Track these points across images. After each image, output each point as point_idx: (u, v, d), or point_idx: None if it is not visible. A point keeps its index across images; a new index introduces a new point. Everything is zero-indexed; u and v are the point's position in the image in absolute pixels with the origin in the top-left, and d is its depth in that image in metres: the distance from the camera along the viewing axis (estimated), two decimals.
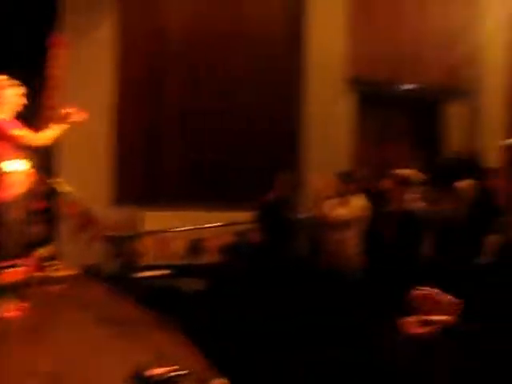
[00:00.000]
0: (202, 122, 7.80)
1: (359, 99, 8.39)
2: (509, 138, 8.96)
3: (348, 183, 5.69)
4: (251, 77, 7.92)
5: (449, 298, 2.17)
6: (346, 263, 5.43)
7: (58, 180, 5.85)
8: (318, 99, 7.86)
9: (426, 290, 2.19)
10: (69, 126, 4.45)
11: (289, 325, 4.15)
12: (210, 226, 7.03)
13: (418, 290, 2.21)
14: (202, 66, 7.86)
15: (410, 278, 4.14)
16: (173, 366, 2.45)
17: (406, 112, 9.20)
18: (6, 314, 3.77)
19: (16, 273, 4.08)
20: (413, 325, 2.10)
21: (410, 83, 8.80)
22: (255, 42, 7.96)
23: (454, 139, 8.93)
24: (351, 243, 5.47)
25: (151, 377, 2.39)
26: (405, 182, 4.80)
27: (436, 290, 2.21)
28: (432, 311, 2.11)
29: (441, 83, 8.88)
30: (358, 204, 5.61)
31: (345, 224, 5.48)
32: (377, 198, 5.76)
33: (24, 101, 4.34)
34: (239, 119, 7.89)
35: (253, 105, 7.93)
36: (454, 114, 9.07)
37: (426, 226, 4.61)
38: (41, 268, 5.09)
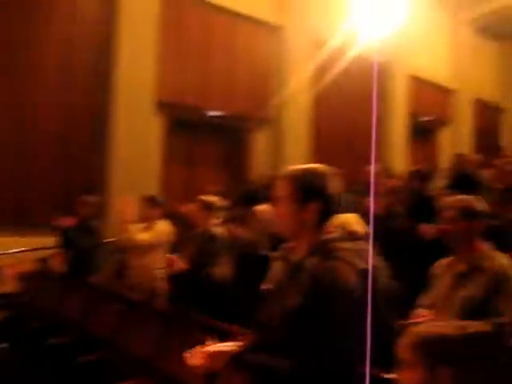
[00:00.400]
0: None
1: (168, 124, 8.49)
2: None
3: (153, 207, 5.69)
4: (56, 101, 7.58)
5: (230, 346, 2.24)
6: (150, 288, 5.41)
7: None
8: (126, 123, 7.78)
9: (206, 346, 2.22)
10: None
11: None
12: (9, 252, 6.56)
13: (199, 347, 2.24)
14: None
15: (203, 303, 4.28)
16: None
17: (214, 137, 9.50)
18: None
19: None
20: (193, 357, 2.14)
21: (218, 110, 9.10)
22: (62, 68, 7.66)
23: (258, 165, 9.39)
24: (155, 268, 5.46)
25: None
26: (209, 207, 4.94)
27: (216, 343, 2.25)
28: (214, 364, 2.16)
29: (247, 111, 9.31)
30: (162, 228, 5.63)
31: (149, 248, 5.46)
32: (182, 221, 5.83)
33: None
34: (41, 142, 7.50)
35: (57, 125, 7.60)
36: (259, 141, 9.55)
37: (226, 251, 4.78)
38: None
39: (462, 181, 8.63)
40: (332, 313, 1.97)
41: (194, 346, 2.22)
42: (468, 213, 2.99)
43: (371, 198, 6.50)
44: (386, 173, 10.62)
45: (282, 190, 2.19)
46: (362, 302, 2.08)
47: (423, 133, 13.88)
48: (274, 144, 9.62)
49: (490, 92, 15.46)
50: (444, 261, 3.17)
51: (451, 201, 3.10)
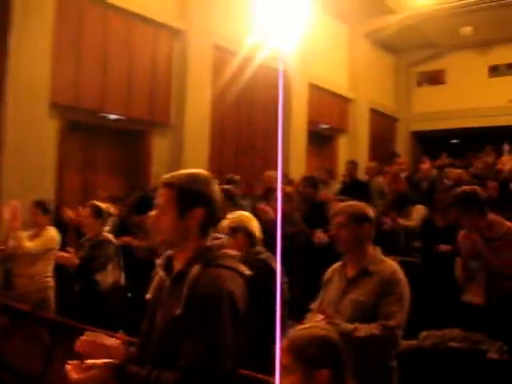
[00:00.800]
0: None
1: (64, 127, 8.20)
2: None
3: (43, 213, 5.50)
4: None
5: (113, 340, 2.20)
6: (39, 298, 5.22)
7: None
8: (18, 126, 7.41)
9: (89, 335, 2.19)
10: None
11: None
12: None
13: (83, 335, 2.20)
14: None
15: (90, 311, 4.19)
16: None
17: (112, 142, 9.29)
18: None
19: None
20: (73, 370, 2.08)
21: (117, 113, 8.89)
22: None
23: (155, 170, 9.27)
24: (44, 276, 5.28)
25: None
26: (98, 213, 4.86)
27: (99, 334, 2.22)
28: (95, 355, 2.12)
29: (147, 115, 9.16)
30: (51, 235, 5.45)
31: (37, 256, 5.27)
32: (72, 228, 5.68)
33: None
34: None
35: None
36: (159, 146, 9.44)
37: (114, 257, 4.75)
38: None
39: (354, 187, 8.97)
40: (213, 321, 1.97)
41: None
42: (357, 218, 3.08)
43: (273, 203, 6.66)
44: (284, 179, 10.85)
45: (162, 197, 2.17)
46: (247, 309, 2.11)
47: (322, 140, 14.26)
48: (174, 149, 9.53)
49: (385, 102, 16.15)
50: (335, 265, 3.25)
51: (341, 207, 3.19)
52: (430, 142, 17.32)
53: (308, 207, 6.37)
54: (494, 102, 15.06)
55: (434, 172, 10.62)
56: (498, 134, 15.34)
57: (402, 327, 2.87)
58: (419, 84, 17.05)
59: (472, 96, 15.39)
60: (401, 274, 2.99)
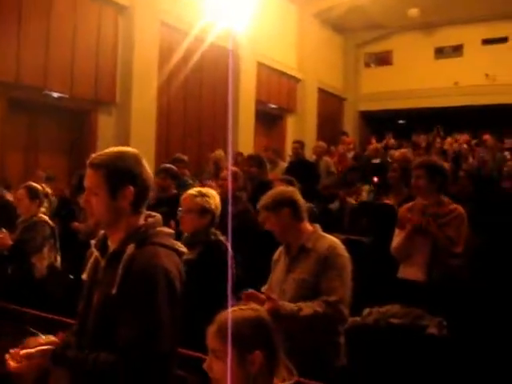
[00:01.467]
0: None
1: (5, 105, 7.94)
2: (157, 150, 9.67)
3: None
4: None
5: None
6: None
7: None
8: None
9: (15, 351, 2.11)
10: None
11: None
12: None
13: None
14: None
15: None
16: None
17: (56, 120, 9.05)
18: None
19: None
20: (11, 359, 2.04)
21: (61, 91, 8.65)
22: None
23: (101, 148, 9.08)
24: None
25: None
26: (35, 194, 4.76)
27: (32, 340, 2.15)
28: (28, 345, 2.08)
29: (90, 94, 8.94)
30: None
31: None
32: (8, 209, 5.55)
33: None
34: None
35: None
36: (105, 125, 9.25)
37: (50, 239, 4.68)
38: None
39: (301, 167, 9.01)
40: (149, 300, 1.94)
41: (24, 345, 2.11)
42: (273, 206, 3.12)
43: (221, 182, 6.63)
44: (237, 158, 10.83)
45: (90, 178, 2.11)
46: (183, 286, 2.08)
47: (270, 120, 14.28)
48: (120, 128, 9.36)
49: (333, 82, 16.25)
50: (282, 246, 3.27)
51: (261, 201, 3.20)
52: (378, 122, 17.57)
53: (253, 187, 6.35)
54: (440, 84, 15.37)
55: (381, 152, 10.76)
56: (443, 115, 15.72)
57: (345, 301, 2.90)
58: (367, 64, 17.24)
59: (418, 77, 15.64)
60: (340, 249, 3.02)
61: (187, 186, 6.65)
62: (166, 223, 5.08)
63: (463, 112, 15.59)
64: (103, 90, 9.12)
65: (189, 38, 10.55)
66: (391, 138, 13.38)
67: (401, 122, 18.28)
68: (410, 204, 4.13)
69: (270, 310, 2.76)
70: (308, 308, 2.82)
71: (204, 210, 3.54)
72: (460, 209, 3.96)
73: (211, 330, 1.86)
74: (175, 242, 2.18)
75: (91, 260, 2.22)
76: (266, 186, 6.36)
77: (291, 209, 3.13)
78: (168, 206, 5.38)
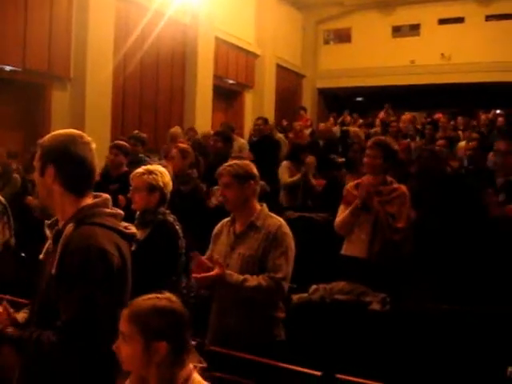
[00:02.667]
0: None
1: None
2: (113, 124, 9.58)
3: None
4: None
5: None
6: None
7: None
8: None
9: None
10: None
11: None
12: None
13: None
14: None
15: None
16: None
17: (8, 95, 8.84)
18: None
19: None
20: None
21: (13, 65, 8.44)
22: None
23: (59, 125, 8.96)
24: None
25: None
26: None
27: None
28: None
29: (43, 67, 8.74)
30: None
31: None
32: None
33: None
34: None
35: None
36: (59, 99, 9.09)
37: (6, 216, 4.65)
38: None
39: (263, 144, 9.09)
40: (84, 278, 1.96)
41: None
42: (242, 177, 3.14)
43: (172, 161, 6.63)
44: (188, 133, 10.79)
45: (36, 158, 2.15)
46: (124, 266, 2.12)
47: (228, 95, 14.24)
48: (75, 103, 9.21)
49: (292, 59, 16.26)
50: (224, 220, 3.33)
51: (225, 167, 3.23)
52: (336, 99, 17.72)
53: (219, 162, 6.34)
54: (397, 62, 15.54)
55: (336, 130, 10.81)
56: (400, 93, 15.95)
57: (288, 279, 3.02)
58: (326, 42, 17.30)
59: (376, 55, 15.79)
60: (286, 229, 3.11)
61: (143, 163, 6.66)
62: (117, 201, 5.10)
63: (420, 91, 15.85)
64: (57, 64, 8.90)
65: (145, 12, 10.41)
66: (348, 116, 13.50)
67: (359, 99, 18.46)
68: (356, 181, 4.25)
69: (217, 275, 2.87)
70: (253, 280, 2.93)
71: (152, 188, 3.58)
72: (403, 188, 4.13)
73: (124, 312, 1.89)
74: (119, 222, 2.21)
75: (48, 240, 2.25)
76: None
77: (255, 183, 3.19)
78: (120, 183, 5.39)
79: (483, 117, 13.32)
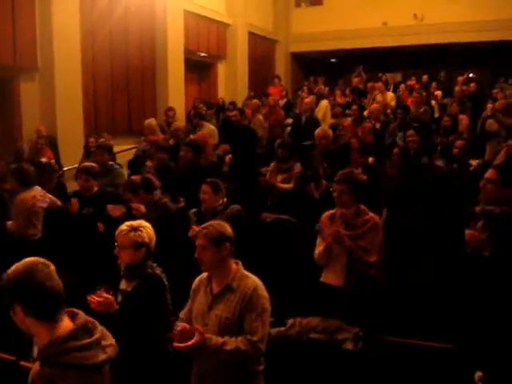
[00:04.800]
0: None
1: None
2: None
3: None
4: None
5: None
6: None
7: None
8: None
9: None
10: None
11: None
12: None
13: None
14: None
15: None
16: None
17: None
18: None
19: None
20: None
21: None
22: None
23: (28, 117, 8.83)
24: None
25: None
26: None
27: None
28: None
29: (9, 60, 8.51)
30: None
31: None
32: None
33: None
34: None
35: None
36: (26, 92, 8.90)
37: None
38: None
39: (236, 134, 9.08)
40: None
41: None
42: (217, 239, 3.18)
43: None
44: (167, 113, 10.71)
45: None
46: None
47: (201, 68, 14.04)
48: (45, 93, 9.02)
49: (263, 25, 15.98)
50: (202, 276, 3.36)
51: (201, 230, 3.26)
52: (309, 64, 17.56)
53: (189, 173, 6.32)
54: (369, 24, 15.37)
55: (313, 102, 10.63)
56: (373, 55, 15.86)
57: (264, 340, 3.09)
58: (297, 4, 16.99)
59: (348, 17, 15.57)
60: (262, 290, 3.17)
61: (115, 171, 6.66)
62: (92, 225, 5.14)
63: (392, 52, 15.77)
64: (24, 55, 8.66)
65: None
66: (322, 85, 13.40)
67: (333, 60, 18.31)
68: (330, 213, 4.30)
69: (197, 342, 2.96)
70: (232, 343, 3.01)
71: (138, 245, 3.58)
72: (375, 218, 4.17)
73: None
74: (95, 351, 2.21)
75: None
76: (204, 171, 6.38)
77: (231, 244, 3.23)
78: (93, 205, 5.41)
79: (460, 78, 13.36)
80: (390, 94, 12.29)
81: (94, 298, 3.41)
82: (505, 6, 13.80)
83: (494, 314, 3.74)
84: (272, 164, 6.91)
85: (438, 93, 12.62)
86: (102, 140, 7.76)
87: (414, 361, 3.57)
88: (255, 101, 10.32)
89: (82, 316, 2.24)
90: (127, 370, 3.27)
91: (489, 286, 3.80)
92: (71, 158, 8.80)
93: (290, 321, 3.88)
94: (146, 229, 3.66)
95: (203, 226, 3.28)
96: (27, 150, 8.42)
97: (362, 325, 3.73)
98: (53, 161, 7.91)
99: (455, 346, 3.60)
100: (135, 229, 3.61)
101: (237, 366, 3.09)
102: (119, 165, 7.23)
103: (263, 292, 3.17)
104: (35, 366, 2.10)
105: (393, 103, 11.68)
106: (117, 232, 3.66)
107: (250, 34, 15.00)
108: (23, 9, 8.61)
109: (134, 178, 5.96)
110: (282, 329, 3.85)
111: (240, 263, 3.28)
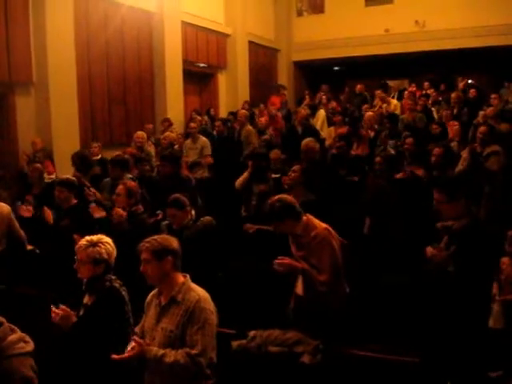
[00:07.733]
0: None
1: None
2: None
3: None
4: None
5: None
6: None
7: None
8: None
9: None
10: None
11: None
12: None
13: None
14: None
15: None
16: None
17: None
18: None
19: None
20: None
21: None
22: None
23: (24, 132, 8.91)
24: None
25: None
26: None
27: None
28: None
29: (4, 76, 8.59)
30: None
31: None
32: None
33: None
34: None
35: None
36: (21, 107, 8.98)
37: None
38: None
39: (225, 145, 9.12)
40: None
41: None
42: (159, 253, 3.22)
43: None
44: (164, 124, 10.75)
45: None
46: None
47: (200, 79, 14.09)
48: (41, 108, 9.09)
49: (264, 34, 16.01)
50: (155, 290, 3.42)
51: (144, 243, 3.30)
52: (312, 72, 17.56)
53: (169, 185, 6.34)
54: (371, 32, 15.35)
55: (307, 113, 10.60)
56: (376, 63, 15.83)
57: (205, 354, 3.11)
58: (299, 13, 17.00)
59: (350, 25, 15.56)
60: (205, 303, 3.21)
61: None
62: (69, 237, 5.17)
63: (396, 59, 15.71)
64: (18, 70, 8.71)
65: (106, 3, 10.26)
66: (323, 95, 13.33)
67: (336, 68, 18.28)
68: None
69: (137, 353, 3.05)
70: (171, 356, 3.06)
71: (96, 261, 3.61)
72: (321, 233, 3.99)
73: None
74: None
75: None
76: (184, 182, 6.42)
77: (174, 258, 3.26)
78: (70, 216, 5.45)
79: (460, 84, 13.29)
80: (394, 102, 12.22)
81: (54, 312, 3.47)
82: (507, 11, 13.70)
83: (456, 327, 3.72)
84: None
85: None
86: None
87: (375, 374, 3.54)
88: (243, 111, 10.30)
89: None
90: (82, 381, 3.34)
91: (451, 301, 3.78)
92: (67, 171, 8.85)
93: (252, 333, 3.88)
94: (106, 244, 3.69)
95: (146, 240, 3.33)
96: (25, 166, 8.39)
97: (322, 337, 3.71)
98: (54, 175, 8.04)
99: (417, 360, 3.56)
100: (94, 244, 3.65)
101: (180, 379, 3.12)
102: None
103: (206, 305, 3.20)
104: None
105: (397, 111, 11.60)
106: (76, 246, 3.71)
107: (251, 43, 15.04)
108: (17, 23, 8.69)
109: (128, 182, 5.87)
110: (244, 342, 3.85)
111: (188, 276, 3.32)
